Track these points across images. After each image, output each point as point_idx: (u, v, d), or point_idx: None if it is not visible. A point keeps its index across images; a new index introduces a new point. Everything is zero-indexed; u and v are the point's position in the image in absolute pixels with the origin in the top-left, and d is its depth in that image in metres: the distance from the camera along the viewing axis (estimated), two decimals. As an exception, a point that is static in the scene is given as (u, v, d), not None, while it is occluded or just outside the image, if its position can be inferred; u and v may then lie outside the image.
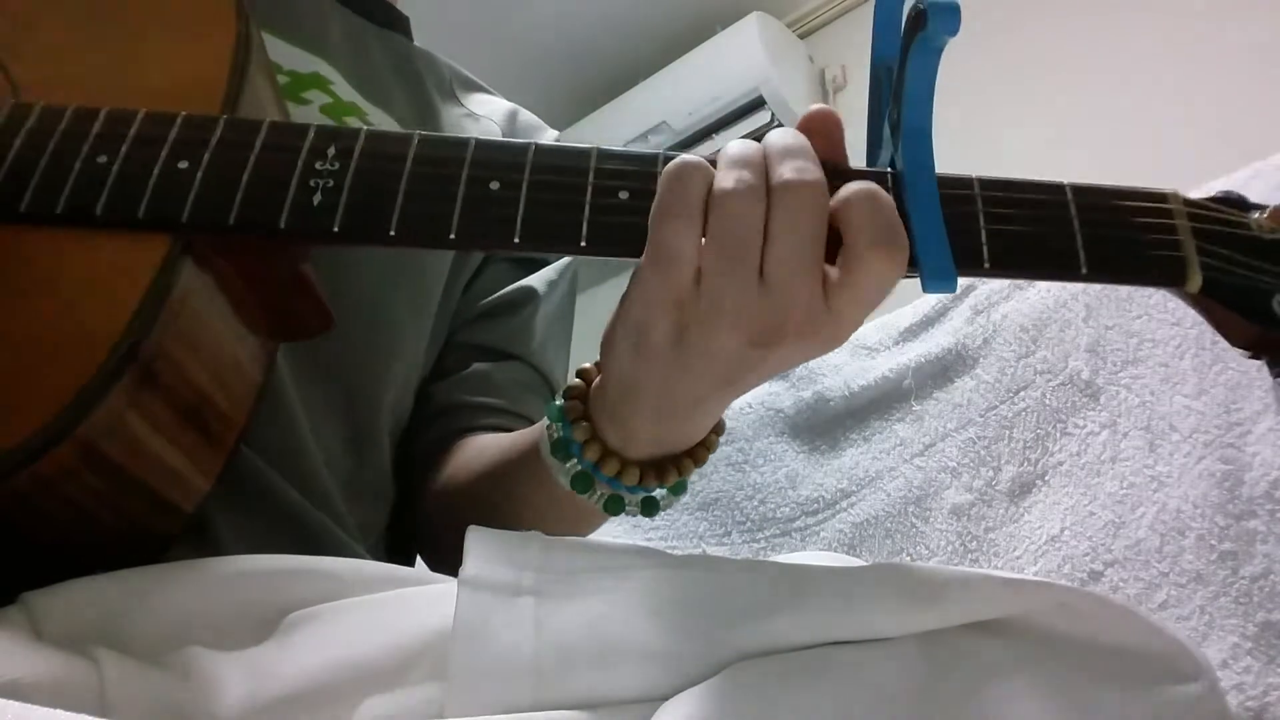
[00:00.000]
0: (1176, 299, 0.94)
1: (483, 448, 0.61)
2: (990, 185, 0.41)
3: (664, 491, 0.48)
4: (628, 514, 0.48)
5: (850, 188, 0.38)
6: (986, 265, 0.40)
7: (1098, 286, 0.96)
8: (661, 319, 0.40)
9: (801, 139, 0.40)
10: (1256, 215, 0.42)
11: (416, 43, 0.78)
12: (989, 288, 1.05)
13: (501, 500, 0.57)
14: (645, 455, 0.47)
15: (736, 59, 2.27)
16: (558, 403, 0.48)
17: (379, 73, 0.69)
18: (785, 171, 0.38)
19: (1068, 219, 0.41)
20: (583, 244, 0.41)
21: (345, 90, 0.64)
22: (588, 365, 0.49)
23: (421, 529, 0.66)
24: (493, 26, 2.25)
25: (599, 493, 0.48)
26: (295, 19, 0.65)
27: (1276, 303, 0.41)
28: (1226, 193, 0.44)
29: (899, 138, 0.41)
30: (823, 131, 0.41)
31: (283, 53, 0.62)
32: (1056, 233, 0.41)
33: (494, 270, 0.71)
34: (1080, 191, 0.42)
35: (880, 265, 0.37)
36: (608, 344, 0.44)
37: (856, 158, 0.43)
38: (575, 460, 0.47)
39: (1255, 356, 0.42)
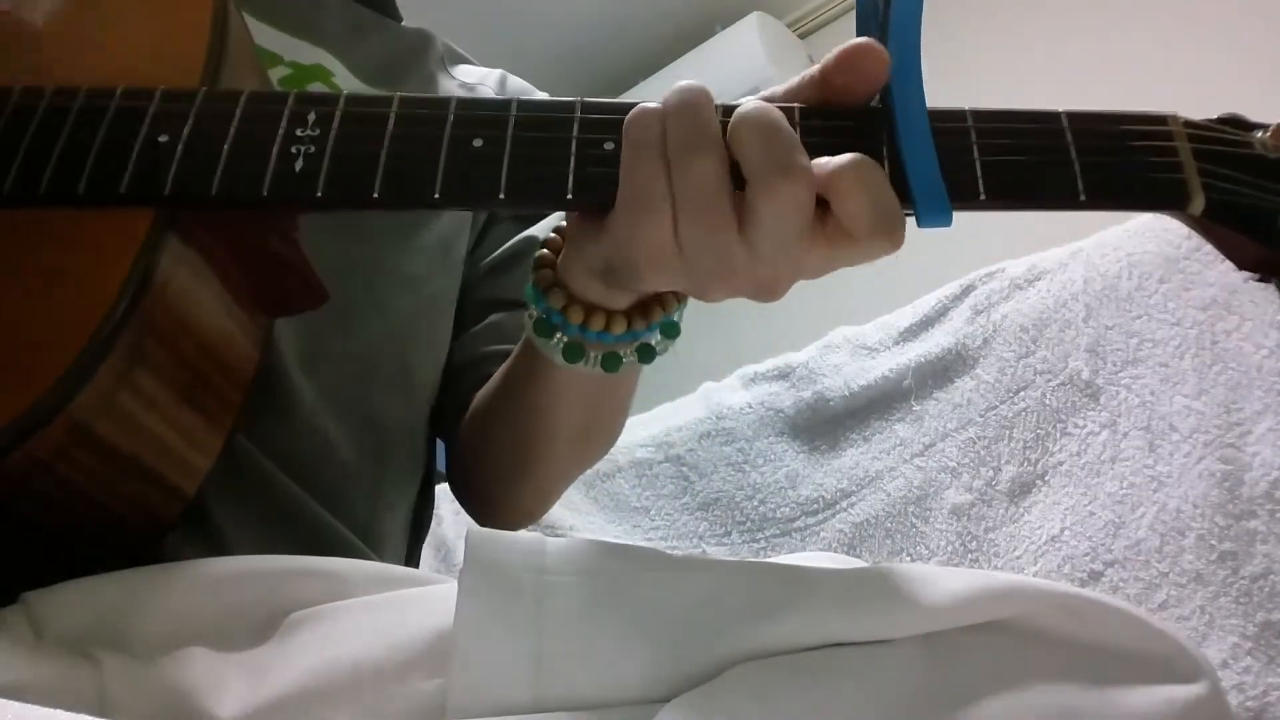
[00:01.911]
0: (1176, 299, 0.94)
1: (491, 382, 0.62)
2: (984, 116, 0.40)
3: (659, 337, 0.48)
4: (625, 362, 0.48)
5: (839, 170, 0.37)
6: (983, 198, 0.39)
7: (1098, 286, 0.96)
8: (643, 268, 0.40)
9: (783, 123, 0.39)
10: (1260, 134, 0.41)
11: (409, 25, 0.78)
12: (989, 288, 1.05)
13: (513, 419, 0.58)
14: (627, 304, 0.46)
15: (736, 59, 2.27)
16: (529, 281, 0.48)
17: (378, 58, 0.69)
18: (774, 168, 0.37)
19: (1064, 146, 0.40)
20: (568, 196, 0.40)
21: (347, 80, 0.64)
22: (552, 235, 0.49)
23: (455, 474, 0.68)
24: (493, 26, 2.25)
25: (593, 355, 0.47)
26: (293, 9, 0.65)
27: None
28: (1230, 114, 0.42)
29: (888, 74, 0.40)
30: (855, 69, 0.40)
31: (285, 44, 0.62)
32: (1053, 161, 0.40)
33: (496, 230, 0.72)
34: (1076, 118, 0.41)
35: (878, 243, 0.37)
36: (571, 264, 0.44)
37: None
38: (560, 332, 0.47)
39: (1263, 279, 0.41)
